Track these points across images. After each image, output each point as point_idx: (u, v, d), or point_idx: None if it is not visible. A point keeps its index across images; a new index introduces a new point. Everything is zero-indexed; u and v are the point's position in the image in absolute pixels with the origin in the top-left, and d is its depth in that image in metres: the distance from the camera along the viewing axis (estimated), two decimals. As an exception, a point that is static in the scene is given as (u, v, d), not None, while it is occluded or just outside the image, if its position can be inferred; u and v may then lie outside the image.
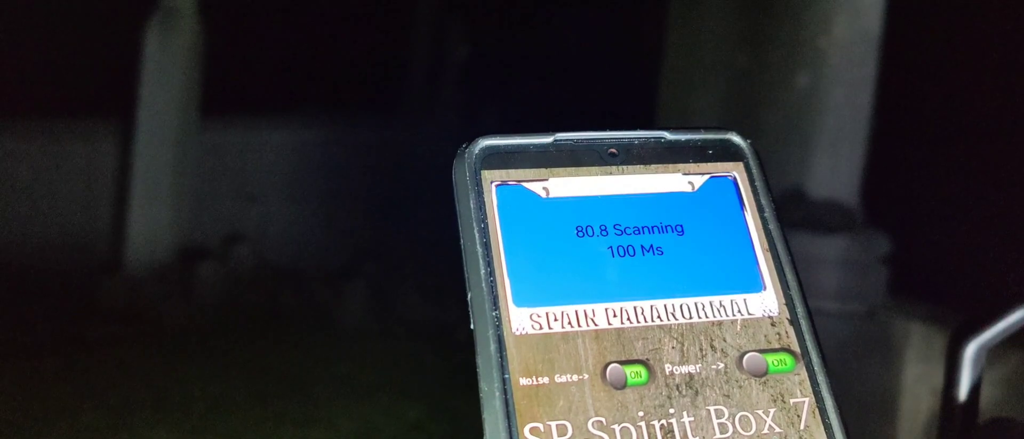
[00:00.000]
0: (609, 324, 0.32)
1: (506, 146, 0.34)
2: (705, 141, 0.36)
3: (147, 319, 3.19)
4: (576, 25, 4.24)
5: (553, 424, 0.29)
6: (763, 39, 2.36)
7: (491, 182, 0.33)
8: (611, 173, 0.35)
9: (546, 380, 0.30)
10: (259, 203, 3.98)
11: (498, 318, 0.31)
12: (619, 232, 0.34)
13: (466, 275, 0.32)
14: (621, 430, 0.30)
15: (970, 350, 0.55)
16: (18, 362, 2.72)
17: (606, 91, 3.72)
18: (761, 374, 0.32)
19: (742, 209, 0.35)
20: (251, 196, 3.96)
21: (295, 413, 2.58)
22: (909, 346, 2.15)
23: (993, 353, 0.56)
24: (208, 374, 2.79)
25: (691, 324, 0.32)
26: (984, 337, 0.56)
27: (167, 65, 3.51)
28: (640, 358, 0.31)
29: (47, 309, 3.10)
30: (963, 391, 0.55)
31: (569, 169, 0.34)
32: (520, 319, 0.31)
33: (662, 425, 0.30)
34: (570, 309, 0.32)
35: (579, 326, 0.31)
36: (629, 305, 0.32)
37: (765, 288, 0.34)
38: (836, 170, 2.33)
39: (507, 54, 4.35)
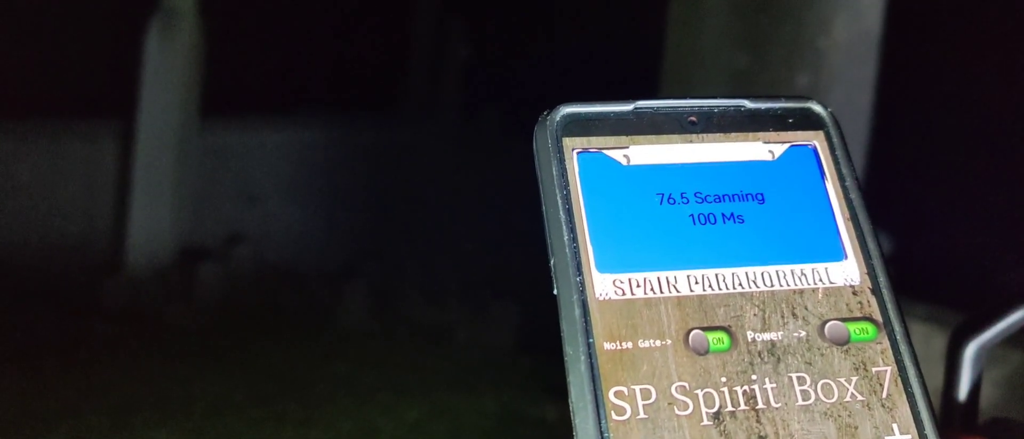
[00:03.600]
0: (691, 291, 0.32)
1: (586, 113, 0.34)
2: (785, 109, 0.36)
3: (148, 319, 3.19)
4: (576, 25, 4.24)
5: (637, 388, 0.30)
6: (763, 39, 2.36)
7: (572, 149, 0.34)
8: (691, 141, 0.35)
9: (630, 345, 0.30)
10: (260, 203, 3.98)
11: (582, 283, 0.31)
12: (700, 200, 0.34)
13: (549, 241, 0.32)
14: (704, 395, 0.30)
15: (970, 350, 0.55)
16: (18, 362, 2.72)
17: (606, 91, 3.71)
18: (843, 342, 0.32)
19: (823, 178, 0.35)
20: (252, 197, 3.96)
21: (295, 413, 2.58)
22: (909, 346, 2.14)
23: (993, 353, 0.56)
24: (209, 374, 2.79)
25: (772, 292, 0.32)
26: (984, 337, 0.56)
27: (167, 66, 3.51)
28: (722, 325, 0.31)
29: (48, 309, 3.10)
30: (963, 391, 0.55)
31: (649, 137, 0.34)
32: (603, 285, 0.31)
33: (745, 391, 0.30)
34: (652, 276, 0.32)
35: (662, 292, 0.32)
36: (711, 272, 0.32)
37: (847, 257, 0.34)
38: (836, 170, 2.32)
39: (506, 55, 4.35)
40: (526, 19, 4.45)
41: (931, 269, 2.43)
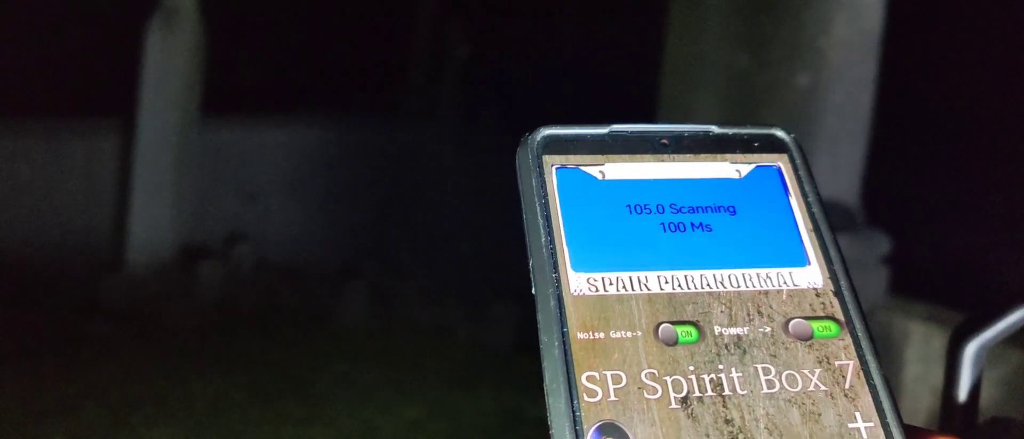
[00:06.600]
0: (661, 289, 0.34)
1: (565, 135, 0.37)
2: (751, 135, 0.38)
3: (148, 318, 3.19)
4: (576, 25, 4.24)
5: (608, 373, 0.31)
6: (763, 39, 2.36)
7: (551, 165, 0.36)
8: (663, 160, 0.37)
9: (602, 335, 0.32)
10: (259, 202, 3.98)
11: (557, 280, 0.33)
12: (670, 211, 0.36)
13: (528, 244, 0.34)
14: (673, 381, 0.31)
15: (970, 350, 0.55)
16: (18, 362, 2.72)
17: (606, 91, 3.72)
18: (806, 338, 0.33)
19: (787, 194, 0.37)
20: (251, 196, 3.96)
21: (295, 412, 2.58)
22: (909, 346, 2.15)
23: (993, 353, 0.56)
24: (209, 373, 2.79)
25: (739, 292, 0.34)
26: (984, 337, 0.56)
27: (168, 65, 3.51)
28: (691, 319, 0.33)
29: (48, 308, 3.11)
30: (963, 391, 0.55)
31: (624, 156, 0.37)
32: (578, 282, 0.33)
33: (712, 378, 0.32)
34: (625, 275, 0.34)
35: (633, 290, 0.33)
36: (680, 274, 0.34)
37: (810, 263, 0.35)
38: (836, 170, 2.33)
39: (507, 54, 4.35)
40: (526, 19, 4.45)
41: (931, 269, 2.43)
